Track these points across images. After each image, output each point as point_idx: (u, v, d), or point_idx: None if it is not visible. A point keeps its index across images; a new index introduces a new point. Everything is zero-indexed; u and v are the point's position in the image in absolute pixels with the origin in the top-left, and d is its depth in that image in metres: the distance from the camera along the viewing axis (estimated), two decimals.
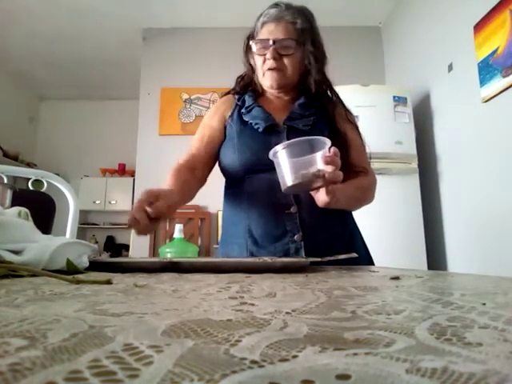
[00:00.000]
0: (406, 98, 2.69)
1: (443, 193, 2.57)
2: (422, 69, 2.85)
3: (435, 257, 2.61)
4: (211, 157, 0.96)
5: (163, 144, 3.47)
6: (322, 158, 0.64)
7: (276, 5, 0.91)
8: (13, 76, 4.72)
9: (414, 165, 2.59)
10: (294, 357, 0.12)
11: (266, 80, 0.92)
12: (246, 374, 0.11)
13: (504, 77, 1.92)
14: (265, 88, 0.96)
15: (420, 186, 2.61)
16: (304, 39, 0.90)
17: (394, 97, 2.67)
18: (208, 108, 3.56)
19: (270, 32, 0.89)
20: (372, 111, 2.50)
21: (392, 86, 3.01)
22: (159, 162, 3.45)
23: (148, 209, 0.64)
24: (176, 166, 0.92)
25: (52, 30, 3.75)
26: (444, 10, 2.55)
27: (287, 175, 0.65)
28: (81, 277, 0.38)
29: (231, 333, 0.16)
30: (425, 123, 2.76)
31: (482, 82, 2.09)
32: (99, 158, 5.23)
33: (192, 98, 3.57)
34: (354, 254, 0.62)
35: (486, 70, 2.06)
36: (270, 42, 0.88)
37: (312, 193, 0.73)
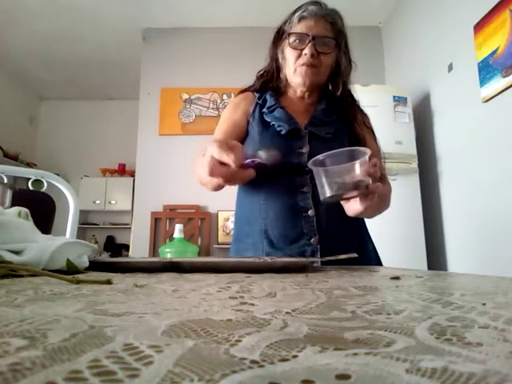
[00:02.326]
0: (406, 98, 2.69)
1: (443, 193, 2.57)
2: (422, 69, 2.85)
3: (435, 257, 2.61)
4: None
5: (163, 144, 3.47)
6: (361, 167, 0.63)
7: (316, 2, 0.89)
8: (13, 76, 4.72)
9: (414, 165, 2.59)
10: (294, 357, 0.12)
11: (298, 76, 0.89)
12: (246, 373, 0.11)
13: (504, 77, 1.92)
14: (294, 85, 0.92)
15: (420, 186, 2.61)
16: (340, 40, 0.90)
17: (394, 97, 2.67)
18: (208, 108, 3.56)
19: (308, 27, 0.86)
20: (372, 111, 2.50)
21: (392, 86, 3.01)
22: (159, 162, 3.45)
23: (228, 157, 0.59)
24: (200, 154, 0.92)
25: (52, 30, 3.75)
26: (444, 10, 2.55)
27: (327, 185, 0.65)
28: (81, 277, 0.38)
29: (231, 333, 0.16)
30: (425, 123, 2.76)
31: (482, 82, 2.09)
32: (99, 158, 5.23)
33: (192, 98, 3.57)
34: (354, 254, 0.62)
35: (486, 70, 2.06)
36: (310, 38, 0.85)
37: (342, 202, 0.72)
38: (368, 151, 0.64)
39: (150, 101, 3.57)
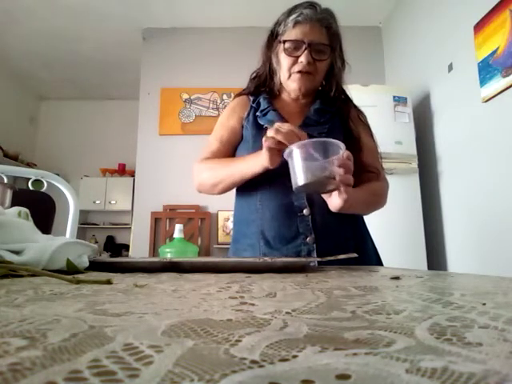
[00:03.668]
0: (406, 98, 2.69)
1: (443, 193, 2.57)
2: (422, 69, 2.85)
3: (435, 257, 2.61)
4: (230, 157, 0.95)
5: (163, 144, 3.47)
6: (334, 160, 0.64)
7: (311, 5, 0.87)
8: (13, 76, 4.72)
9: (414, 165, 2.59)
10: (294, 357, 0.12)
11: (293, 82, 0.88)
12: (246, 373, 0.11)
13: (504, 77, 1.92)
14: (289, 90, 0.92)
15: (420, 186, 2.61)
16: (335, 44, 0.89)
17: (394, 97, 2.67)
18: (208, 108, 3.56)
19: (304, 33, 0.85)
20: (372, 111, 2.50)
21: (392, 86, 3.01)
22: (159, 161, 3.45)
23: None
24: (202, 160, 0.93)
25: (52, 30, 3.75)
26: (444, 10, 2.55)
27: (299, 174, 0.65)
28: (81, 277, 0.38)
29: (231, 333, 0.16)
30: (425, 123, 2.76)
31: (482, 82, 2.09)
32: (99, 158, 5.23)
33: (192, 98, 3.57)
34: (354, 254, 0.62)
35: (486, 69, 2.06)
36: (306, 45, 0.84)
37: (325, 197, 0.73)
38: (342, 145, 0.65)
39: (149, 101, 3.57)
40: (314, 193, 0.78)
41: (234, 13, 3.48)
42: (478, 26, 2.15)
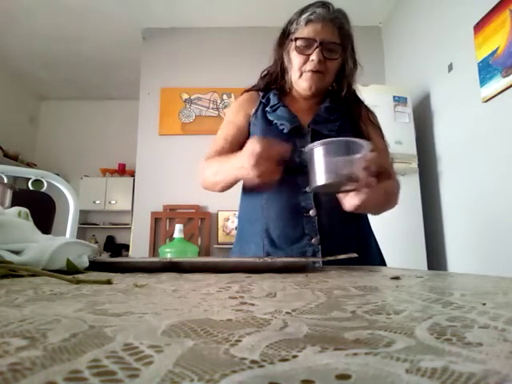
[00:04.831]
0: (406, 98, 2.69)
1: (443, 193, 2.57)
2: (422, 69, 2.85)
3: (435, 257, 2.61)
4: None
5: (163, 144, 3.47)
6: (358, 161, 0.62)
7: (324, 4, 0.86)
8: (13, 76, 4.72)
9: (414, 165, 2.59)
10: (294, 357, 0.12)
11: (304, 81, 0.88)
12: (246, 373, 0.11)
13: (504, 77, 1.92)
14: (299, 89, 0.92)
15: (420, 186, 2.61)
16: (347, 44, 0.89)
17: (394, 97, 2.67)
18: (208, 108, 3.56)
19: (316, 32, 0.85)
20: None
21: (392, 86, 3.01)
22: (159, 161, 3.45)
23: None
24: (206, 159, 0.92)
25: (52, 30, 3.75)
26: (444, 10, 2.55)
27: (320, 174, 0.63)
28: (81, 277, 0.38)
29: (231, 333, 0.16)
30: (425, 123, 2.76)
31: (482, 82, 2.09)
32: (99, 158, 5.23)
33: (192, 98, 3.57)
34: (354, 254, 0.62)
35: (486, 69, 2.06)
36: (317, 43, 0.84)
37: (340, 196, 0.72)
38: (365, 144, 0.64)
39: (149, 101, 3.57)
40: (331, 193, 0.76)
41: (234, 13, 3.47)
42: (478, 26, 2.15)
